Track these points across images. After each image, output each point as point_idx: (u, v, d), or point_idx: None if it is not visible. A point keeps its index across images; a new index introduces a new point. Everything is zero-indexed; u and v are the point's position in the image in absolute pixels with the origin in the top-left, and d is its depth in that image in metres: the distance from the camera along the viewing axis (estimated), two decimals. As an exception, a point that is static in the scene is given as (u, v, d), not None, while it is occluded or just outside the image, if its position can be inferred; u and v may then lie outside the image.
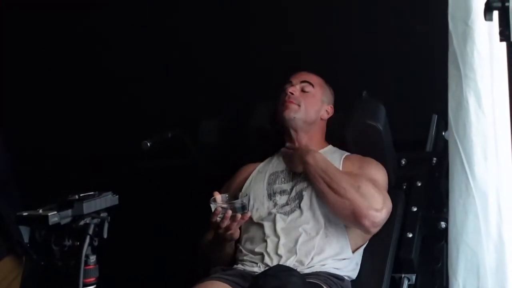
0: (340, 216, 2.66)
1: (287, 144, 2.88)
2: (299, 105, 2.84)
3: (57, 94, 3.71)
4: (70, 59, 3.72)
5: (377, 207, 2.63)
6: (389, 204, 2.68)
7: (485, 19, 1.76)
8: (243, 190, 2.82)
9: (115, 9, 3.59)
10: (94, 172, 3.43)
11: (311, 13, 3.40)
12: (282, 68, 2.97)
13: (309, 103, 2.85)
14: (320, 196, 2.67)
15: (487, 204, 2.32)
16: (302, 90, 2.86)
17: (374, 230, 2.66)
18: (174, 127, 3.09)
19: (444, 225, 2.87)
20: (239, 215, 2.55)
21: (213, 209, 2.58)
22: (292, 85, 2.86)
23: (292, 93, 2.83)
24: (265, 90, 2.94)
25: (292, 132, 2.86)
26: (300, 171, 2.75)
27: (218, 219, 2.57)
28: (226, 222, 2.56)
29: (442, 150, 2.97)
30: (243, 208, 2.58)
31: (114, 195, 1.92)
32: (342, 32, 3.36)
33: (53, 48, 3.71)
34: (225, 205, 2.57)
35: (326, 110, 2.92)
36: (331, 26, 3.38)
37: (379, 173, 2.77)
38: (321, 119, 2.92)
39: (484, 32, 2.30)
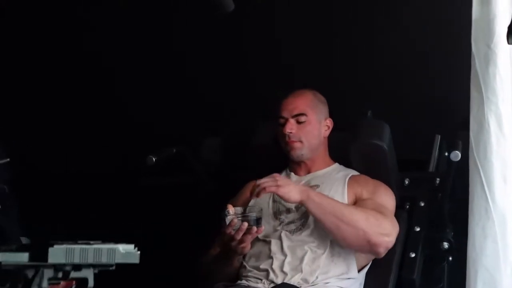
0: (353, 246, 2.65)
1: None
2: (301, 141, 2.83)
3: (60, 111, 3.66)
4: (76, 77, 3.67)
5: (387, 232, 2.62)
6: (397, 228, 2.69)
7: (508, 42, 1.77)
8: (249, 206, 2.78)
9: (120, 31, 3.56)
10: (100, 187, 3.36)
11: (317, 31, 3.39)
12: (286, 87, 2.95)
13: (309, 133, 2.84)
14: (329, 229, 2.62)
15: (506, 228, 2.34)
16: (298, 122, 2.83)
17: (385, 252, 2.66)
18: (178, 143, 3.05)
19: (446, 246, 2.88)
20: (254, 228, 2.52)
21: (228, 221, 2.53)
22: (287, 121, 2.82)
23: (291, 132, 2.81)
24: (268, 107, 2.90)
25: (300, 162, 2.88)
26: (296, 200, 2.61)
27: (232, 231, 2.52)
28: (241, 234, 2.52)
29: (445, 170, 2.97)
30: (258, 221, 2.55)
31: (128, 249, 1.49)
32: (348, 51, 3.36)
33: (58, 65, 3.65)
34: (240, 217, 2.53)
35: (326, 126, 2.91)
36: (337, 45, 3.37)
37: (389, 199, 2.77)
38: (324, 137, 2.91)
39: (506, 56, 2.32)
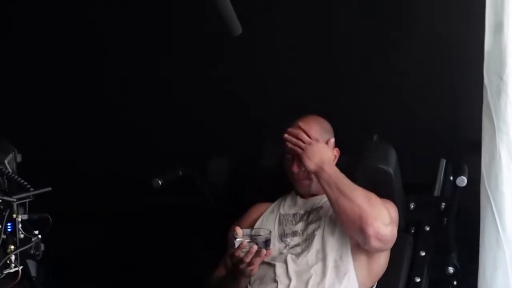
0: (345, 220, 2.64)
1: (293, 200, 2.89)
2: (309, 178, 2.83)
3: (65, 130, 3.63)
4: (78, 94, 3.65)
5: (384, 221, 2.61)
6: (396, 227, 2.66)
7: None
8: (255, 228, 2.77)
9: (126, 50, 3.56)
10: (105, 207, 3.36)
11: (323, 53, 3.39)
12: (293, 109, 2.93)
13: None
14: (331, 202, 2.65)
15: (516, 258, 2.34)
16: None
17: (376, 244, 2.62)
18: (184, 165, 3.05)
19: (452, 270, 2.88)
20: (264, 251, 2.52)
21: (237, 244, 2.53)
22: (294, 158, 2.80)
23: (298, 171, 2.81)
24: (275, 129, 2.87)
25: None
26: (310, 170, 2.72)
27: (242, 254, 2.51)
28: (250, 257, 2.51)
29: (450, 195, 2.98)
30: (267, 243, 2.55)
31: None
32: (354, 73, 3.36)
33: (63, 83, 3.63)
34: (249, 240, 2.53)
35: (334, 156, 2.88)
36: (344, 67, 3.37)
37: (390, 208, 2.74)
38: None
39: (518, 87, 2.32)
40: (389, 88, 3.32)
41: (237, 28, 2.45)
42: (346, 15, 3.39)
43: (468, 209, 2.83)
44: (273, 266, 2.69)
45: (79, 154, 3.67)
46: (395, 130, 3.19)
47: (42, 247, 1.86)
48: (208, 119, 3.61)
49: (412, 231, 3.00)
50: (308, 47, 3.44)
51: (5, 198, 1.70)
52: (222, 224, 2.77)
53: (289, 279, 2.64)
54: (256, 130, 3.44)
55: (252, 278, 2.72)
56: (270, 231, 2.63)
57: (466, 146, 2.86)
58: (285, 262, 2.68)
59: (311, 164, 2.69)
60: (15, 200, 1.70)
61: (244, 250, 2.52)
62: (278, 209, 2.89)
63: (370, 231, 2.58)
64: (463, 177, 2.73)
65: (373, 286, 2.76)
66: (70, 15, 3.64)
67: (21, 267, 1.71)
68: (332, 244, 2.69)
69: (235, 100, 3.58)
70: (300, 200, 2.89)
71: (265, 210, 2.91)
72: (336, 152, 2.90)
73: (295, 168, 2.80)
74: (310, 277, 2.63)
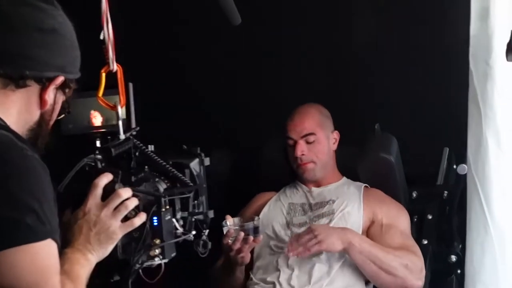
0: None
1: (298, 190, 2.89)
2: (313, 162, 2.84)
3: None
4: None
5: (421, 276, 2.62)
6: (423, 259, 2.67)
7: (507, 59, 1.78)
8: (260, 216, 2.79)
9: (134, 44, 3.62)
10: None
11: (324, 45, 3.40)
12: (298, 101, 2.96)
13: (320, 152, 2.85)
14: (369, 275, 2.62)
15: (505, 244, 2.33)
16: (307, 142, 2.84)
17: None
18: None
19: (454, 259, 2.87)
20: (251, 238, 2.52)
21: (225, 231, 2.55)
22: (297, 143, 2.83)
23: (302, 154, 2.83)
24: (279, 121, 2.90)
25: (314, 181, 2.89)
26: (338, 250, 2.60)
27: (230, 241, 2.54)
28: (238, 245, 2.53)
29: (453, 183, 2.96)
30: (256, 231, 2.55)
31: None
32: (356, 64, 3.36)
33: None
34: (237, 227, 2.54)
35: (334, 138, 2.91)
36: (346, 57, 3.38)
37: (407, 223, 2.77)
38: (333, 151, 2.92)
39: (504, 72, 2.31)
40: (390, 77, 3.31)
41: (237, 17, 2.48)
42: (346, 5, 3.40)
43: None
44: (277, 255, 2.71)
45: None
46: (397, 120, 3.19)
47: (210, 245, 1.89)
48: (210, 112, 3.64)
49: (415, 220, 2.99)
50: (309, 38, 3.45)
51: (156, 193, 1.73)
52: (225, 214, 2.79)
53: (292, 268, 2.65)
54: (258, 123, 3.47)
55: (256, 267, 2.74)
56: (259, 218, 2.64)
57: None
58: None
59: (337, 246, 2.56)
60: (163, 195, 1.72)
61: (232, 237, 2.54)
62: (284, 198, 2.90)
63: None
64: (464, 165, 2.71)
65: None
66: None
67: (164, 260, 1.74)
68: None
69: (237, 93, 3.61)
70: (305, 188, 2.90)
71: (270, 198, 2.93)
72: (336, 134, 2.92)
73: (298, 153, 2.82)
74: (313, 266, 2.64)
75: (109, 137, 1.82)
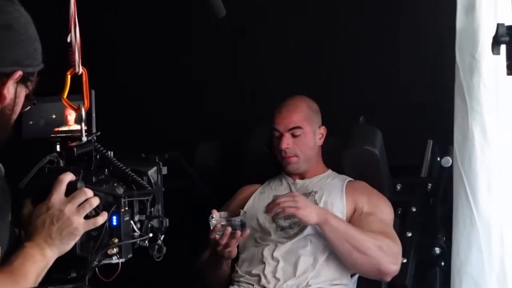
0: (363, 272, 2.67)
1: (283, 181, 2.91)
2: (297, 156, 2.84)
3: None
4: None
5: (397, 261, 2.64)
6: (401, 250, 2.68)
7: (493, 53, 1.77)
8: (245, 208, 2.80)
9: (125, 38, 3.59)
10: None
11: (311, 38, 3.40)
12: (283, 93, 2.96)
13: (305, 146, 2.85)
14: (342, 254, 2.62)
15: (491, 237, 2.35)
16: (293, 135, 2.84)
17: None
18: (172, 148, 3.08)
19: (438, 251, 2.87)
20: (238, 232, 2.54)
21: (212, 226, 2.56)
22: (282, 136, 2.83)
23: (287, 148, 2.82)
24: (265, 114, 2.91)
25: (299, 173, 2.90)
26: (313, 223, 2.62)
27: (217, 236, 2.54)
28: (225, 239, 2.54)
29: (437, 176, 2.97)
30: (242, 225, 2.56)
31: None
32: (341, 57, 3.36)
33: None
34: (224, 222, 2.55)
35: (320, 133, 2.91)
36: (330, 51, 3.38)
37: (389, 213, 2.79)
38: (319, 146, 2.92)
39: (491, 66, 2.32)
40: (374, 70, 3.31)
41: (221, 10, 2.46)
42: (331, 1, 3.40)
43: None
44: (262, 247, 2.71)
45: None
46: (381, 112, 3.19)
47: (164, 250, 1.90)
48: (197, 104, 3.63)
49: (399, 212, 3.00)
50: (294, 30, 3.44)
51: (117, 193, 1.76)
52: (210, 208, 2.79)
53: (277, 260, 2.66)
54: (244, 115, 3.46)
55: (241, 260, 2.74)
56: (245, 212, 2.66)
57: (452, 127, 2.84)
58: (275, 244, 2.70)
59: (311, 217, 2.58)
60: (122, 195, 1.75)
61: (219, 232, 2.54)
62: (269, 190, 2.90)
63: (388, 277, 2.64)
64: (448, 157, 2.72)
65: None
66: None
67: (122, 260, 1.75)
68: None
69: (222, 85, 3.60)
70: (290, 180, 2.90)
71: (255, 191, 2.93)
72: (323, 130, 2.92)
73: (283, 145, 2.82)
74: (300, 259, 2.64)
75: (69, 141, 1.85)
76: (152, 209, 1.87)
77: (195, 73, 3.65)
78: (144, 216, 1.84)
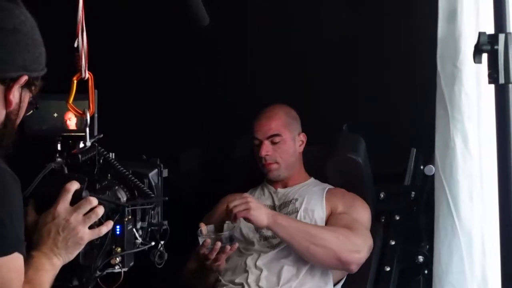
0: (325, 265, 2.66)
1: (265, 190, 2.90)
2: (277, 162, 2.84)
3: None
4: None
5: (358, 248, 2.63)
6: (369, 242, 2.69)
7: (474, 61, 1.78)
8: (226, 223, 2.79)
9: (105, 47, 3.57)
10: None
11: (294, 45, 3.40)
12: (267, 101, 2.97)
13: (284, 153, 2.85)
14: (301, 251, 2.62)
15: (472, 245, 2.35)
16: (272, 142, 2.84)
17: (357, 268, 2.67)
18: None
19: (421, 259, 2.87)
20: (228, 247, 2.54)
21: (201, 241, 2.56)
22: (262, 143, 2.83)
23: (267, 155, 2.83)
24: (249, 121, 2.91)
25: (280, 181, 2.90)
26: (264, 225, 2.61)
27: (206, 251, 2.54)
28: (215, 254, 2.54)
29: (420, 184, 2.97)
30: (231, 239, 2.57)
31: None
32: (324, 64, 3.36)
33: None
34: (213, 237, 2.55)
35: (300, 141, 2.91)
36: (314, 59, 3.38)
37: (364, 213, 2.78)
38: (299, 153, 2.92)
39: (472, 74, 2.32)
40: (358, 79, 3.32)
41: (205, 18, 2.45)
42: (313, 5, 3.40)
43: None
44: (245, 256, 2.71)
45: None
46: (365, 120, 3.19)
47: (166, 256, 1.89)
48: (181, 111, 3.62)
49: (382, 220, 3.01)
50: (276, 38, 3.45)
51: (121, 203, 1.75)
52: (194, 215, 2.78)
53: (260, 269, 2.65)
54: (227, 123, 3.46)
55: (224, 269, 2.73)
56: (234, 226, 2.66)
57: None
58: (258, 253, 2.70)
59: (262, 219, 2.57)
60: (127, 205, 1.74)
61: (208, 247, 2.54)
62: None
63: (352, 267, 2.63)
64: (431, 166, 2.72)
65: (343, 277, 2.78)
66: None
67: (124, 269, 1.75)
68: None
69: (206, 93, 3.60)
70: (272, 189, 2.90)
71: None
72: (303, 137, 2.92)
73: (262, 153, 2.82)
74: (282, 268, 2.64)
75: (70, 141, 1.86)
76: (152, 212, 1.87)
77: (178, 80, 3.66)
78: (146, 223, 1.83)
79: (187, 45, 3.60)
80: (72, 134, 1.94)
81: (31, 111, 1.71)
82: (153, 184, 1.89)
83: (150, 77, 3.68)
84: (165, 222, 1.91)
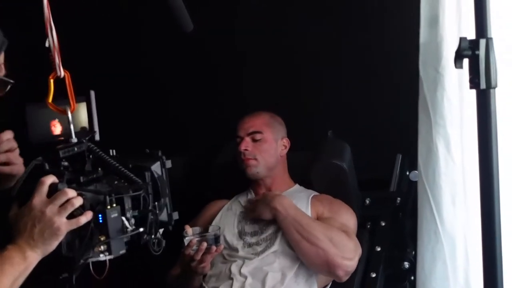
0: (313, 265, 2.65)
1: (249, 197, 2.91)
2: (256, 159, 2.84)
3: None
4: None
5: (349, 256, 2.62)
6: (359, 251, 2.69)
7: (456, 66, 1.77)
8: (213, 224, 2.81)
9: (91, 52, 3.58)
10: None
11: (281, 51, 3.41)
12: (253, 105, 3.00)
13: (264, 151, 2.85)
14: (292, 244, 2.64)
15: (455, 250, 2.34)
16: (253, 140, 2.85)
17: (346, 277, 2.65)
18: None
19: (407, 265, 2.87)
20: (213, 247, 2.53)
21: (186, 242, 2.55)
22: (243, 140, 2.85)
23: (246, 150, 2.83)
24: (233, 127, 2.92)
25: (259, 181, 2.89)
26: (269, 218, 2.70)
27: (192, 252, 2.53)
28: (200, 254, 2.52)
29: (406, 190, 2.98)
30: (217, 240, 2.56)
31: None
32: (309, 71, 3.36)
33: None
34: (198, 238, 2.54)
35: (283, 145, 2.92)
36: (299, 65, 3.39)
37: (350, 219, 2.78)
38: (281, 156, 2.91)
39: (454, 79, 2.32)
40: (342, 85, 3.32)
41: (189, 24, 2.45)
42: (297, 11, 3.40)
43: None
44: (229, 263, 2.70)
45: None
46: (349, 126, 3.19)
47: (164, 243, 1.88)
48: (165, 117, 3.62)
49: (368, 226, 3.01)
50: (262, 44, 3.45)
51: (100, 191, 1.76)
52: (179, 221, 2.77)
53: (245, 276, 2.64)
54: (212, 129, 3.45)
55: (208, 275, 2.73)
56: (219, 227, 2.66)
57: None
58: (242, 260, 2.69)
59: (266, 213, 2.70)
60: (105, 193, 1.74)
61: (194, 248, 2.53)
62: (236, 206, 2.90)
63: (340, 272, 2.62)
64: (416, 172, 2.70)
65: (328, 283, 2.77)
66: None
67: (110, 257, 1.75)
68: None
69: (191, 99, 3.60)
70: (254, 196, 2.90)
71: (222, 207, 2.92)
72: (286, 142, 2.93)
73: (242, 147, 2.83)
74: (268, 276, 2.63)
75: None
76: (157, 203, 1.87)
77: (165, 85, 3.65)
78: (137, 211, 1.82)
79: (174, 51, 3.59)
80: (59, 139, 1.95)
81: (9, 86, 1.74)
82: (156, 176, 1.90)
83: (136, 83, 3.67)
84: (175, 213, 1.95)
